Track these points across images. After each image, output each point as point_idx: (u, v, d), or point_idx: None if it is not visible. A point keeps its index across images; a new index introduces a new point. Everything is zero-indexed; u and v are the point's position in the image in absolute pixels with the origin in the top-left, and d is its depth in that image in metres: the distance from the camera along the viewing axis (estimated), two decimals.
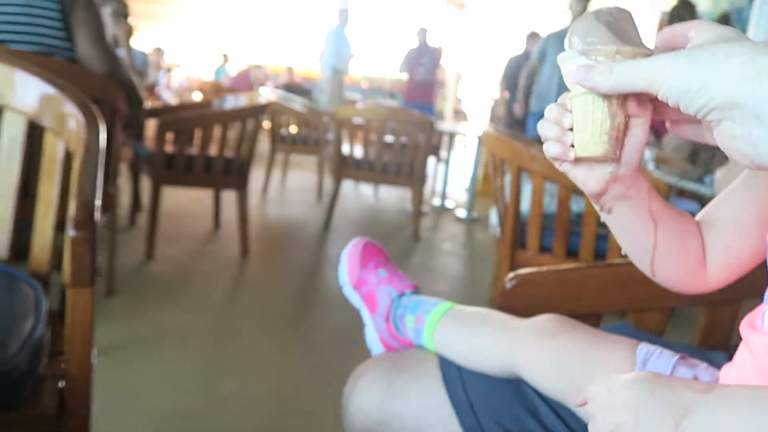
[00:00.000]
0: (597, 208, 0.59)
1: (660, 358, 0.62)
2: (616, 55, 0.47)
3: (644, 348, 0.64)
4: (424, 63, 6.57)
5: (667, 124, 0.53)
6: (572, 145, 0.52)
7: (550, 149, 0.54)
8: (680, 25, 0.47)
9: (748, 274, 0.66)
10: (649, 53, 0.47)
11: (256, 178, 4.53)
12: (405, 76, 6.81)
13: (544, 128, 0.53)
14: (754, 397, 0.41)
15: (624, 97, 0.49)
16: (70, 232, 0.74)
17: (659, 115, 0.52)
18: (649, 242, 0.62)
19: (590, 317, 0.88)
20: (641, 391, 0.44)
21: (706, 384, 0.44)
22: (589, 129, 0.50)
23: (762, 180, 0.62)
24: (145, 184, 3.28)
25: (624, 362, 0.63)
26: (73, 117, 1.01)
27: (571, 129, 0.52)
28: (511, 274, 0.86)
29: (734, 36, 0.44)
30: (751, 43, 0.41)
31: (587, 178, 0.55)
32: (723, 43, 0.42)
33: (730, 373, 0.58)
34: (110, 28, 2.13)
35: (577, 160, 0.54)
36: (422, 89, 6.63)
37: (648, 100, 0.50)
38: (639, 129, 0.51)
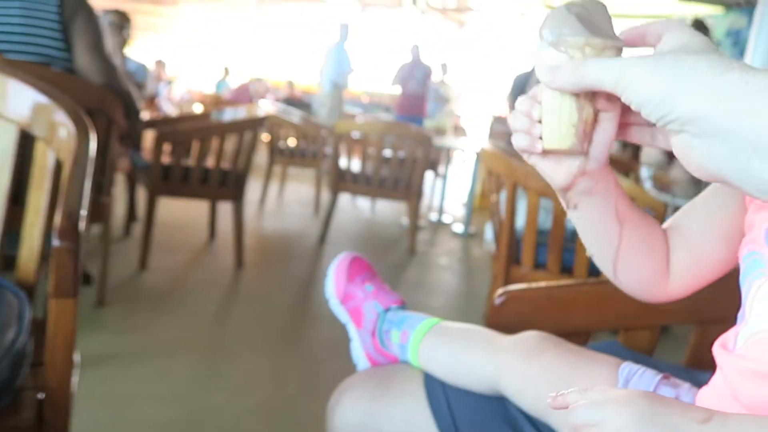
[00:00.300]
0: (563, 203, 0.59)
1: (642, 378, 0.61)
2: (585, 47, 0.46)
3: (627, 367, 0.63)
4: (416, 77, 6.94)
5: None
6: (541, 138, 0.52)
7: (518, 141, 0.53)
8: (654, 24, 0.47)
9: (738, 293, 0.65)
10: (619, 46, 0.47)
11: (253, 190, 4.53)
12: (397, 89, 7.18)
13: (513, 120, 0.53)
14: (754, 428, 0.40)
15: (593, 92, 0.48)
16: (54, 241, 0.73)
17: (622, 116, 0.52)
18: (613, 242, 0.61)
19: (579, 334, 0.88)
20: (636, 414, 0.41)
21: (705, 411, 0.42)
22: (557, 121, 0.49)
23: (733, 194, 0.62)
24: (141, 194, 3.28)
25: (606, 381, 0.62)
26: (65, 126, 1.01)
27: (540, 121, 0.51)
28: (500, 291, 0.85)
29: (703, 46, 0.43)
30: (718, 56, 0.40)
31: (555, 172, 0.55)
32: (691, 54, 0.41)
33: (705, 395, 0.57)
34: (109, 39, 2.14)
35: (545, 153, 0.53)
36: (413, 102, 6.99)
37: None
38: (608, 124, 0.51)
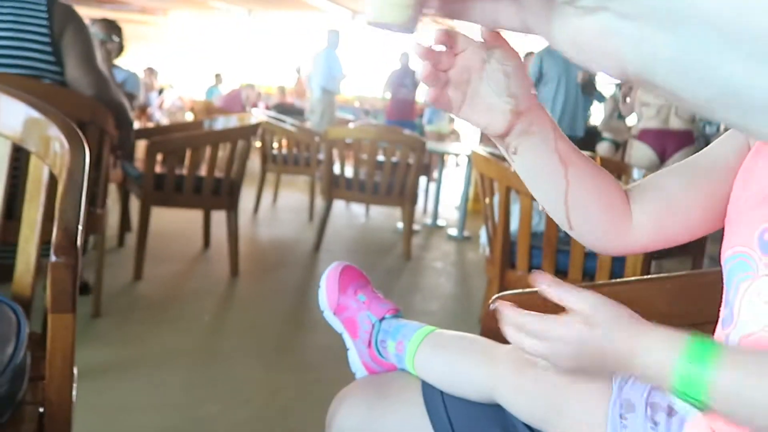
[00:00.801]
0: (503, 151, 0.58)
1: (635, 384, 0.62)
2: None
3: (619, 374, 0.64)
4: (406, 84, 7.18)
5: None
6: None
7: (430, 97, 0.53)
8: None
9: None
10: None
11: (246, 197, 4.53)
12: (388, 96, 7.44)
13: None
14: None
15: None
16: (52, 257, 0.74)
17: None
18: (560, 185, 0.60)
19: None
20: (579, 339, 0.52)
21: (629, 371, 0.51)
22: None
23: (721, 166, 0.61)
24: (135, 204, 3.27)
25: (600, 388, 0.63)
26: (58, 140, 1.01)
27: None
28: (494, 297, 0.86)
29: None
30: None
31: (490, 120, 0.55)
32: None
33: None
34: (98, 50, 2.14)
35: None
36: (403, 107, 7.22)
37: None
38: (512, 67, 0.52)
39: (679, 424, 0.57)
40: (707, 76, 0.26)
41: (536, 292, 0.89)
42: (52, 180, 1.04)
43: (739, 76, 0.26)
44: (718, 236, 0.68)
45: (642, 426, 0.58)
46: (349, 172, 3.75)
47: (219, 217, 3.49)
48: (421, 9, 0.41)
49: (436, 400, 0.72)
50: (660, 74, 0.28)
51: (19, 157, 1.56)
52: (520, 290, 0.87)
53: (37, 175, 1.07)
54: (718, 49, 0.25)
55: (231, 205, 2.96)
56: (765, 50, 0.24)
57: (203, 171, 2.93)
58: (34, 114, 1.06)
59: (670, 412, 0.59)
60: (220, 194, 2.92)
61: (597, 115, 5.60)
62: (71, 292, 0.73)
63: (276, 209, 5.18)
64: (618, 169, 3.15)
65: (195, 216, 3.71)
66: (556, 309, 0.89)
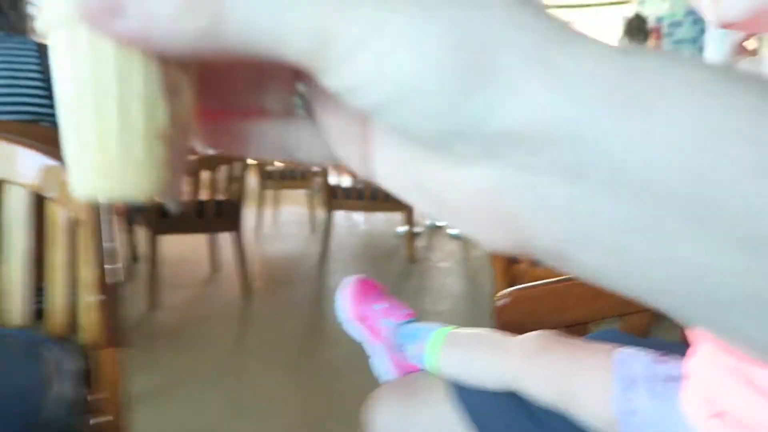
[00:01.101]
0: None
1: (634, 359, 0.68)
2: None
3: (619, 353, 0.70)
4: None
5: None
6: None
7: None
8: None
9: None
10: None
11: (248, 217, 4.58)
12: None
13: None
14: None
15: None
16: (93, 296, 0.79)
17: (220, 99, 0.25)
18: None
19: (580, 325, 0.94)
20: None
21: None
22: (115, 129, 0.20)
23: None
24: (139, 233, 3.32)
25: (603, 368, 0.69)
26: None
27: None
28: (501, 293, 0.91)
29: None
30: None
31: None
32: None
33: (693, 361, 0.64)
34: None
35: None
36: None
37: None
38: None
39: (675, 391, 0.63)
40: (659, 258, 0.18)
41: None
42: (74, 223, 1.10)
43: (707, 261, 0.17)
44: None
45: (643, 397, 0.64)
46: (346, 181, 3.80)
47: (225, 239, 3.54)
48: (181, 169, 0.23)
49: (462, 395, 0.77)
50: (585, 250, 0.19)
51: (39, 202, 1.61)
52: (524, 285, 0.93)
53: (56, 219, 1.12)
54: (681, 226, 0.17)
55: (235, 227, 3.01)
56: (744, 235, 0.16)
57: (204, 195, 2.98)
58: (50, 162, 1.12)
59: (667, 380, 0.64)
60: (223, 217, 2.98)
61: None
62: (114, 327, 0.79)
63: (278, 225, 5.23)
64: None
65: (199, 239, 3.76)
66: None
